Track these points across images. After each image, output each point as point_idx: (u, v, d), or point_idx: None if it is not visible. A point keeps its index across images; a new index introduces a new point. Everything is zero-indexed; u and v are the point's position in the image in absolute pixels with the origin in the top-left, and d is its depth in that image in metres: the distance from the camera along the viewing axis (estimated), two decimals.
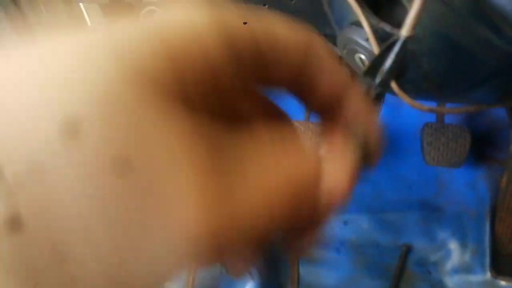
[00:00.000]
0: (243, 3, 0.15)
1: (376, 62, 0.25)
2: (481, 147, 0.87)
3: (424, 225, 0.88)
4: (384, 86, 0.25)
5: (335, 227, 0.89)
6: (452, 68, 0.35)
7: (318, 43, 0.15)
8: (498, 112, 0.87)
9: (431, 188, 0.89)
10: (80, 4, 0.81)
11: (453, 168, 0.82)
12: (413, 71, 0.38)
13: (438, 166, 0.80)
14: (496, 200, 0.85)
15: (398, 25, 0.31)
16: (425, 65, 0.36)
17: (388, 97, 0.91)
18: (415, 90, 0.41)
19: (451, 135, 0.80)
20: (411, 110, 0.89)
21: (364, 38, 0.37)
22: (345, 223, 0.89)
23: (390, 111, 0.91)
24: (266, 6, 0.55)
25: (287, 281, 0.81)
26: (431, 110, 0.35)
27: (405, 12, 0.29)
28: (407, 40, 0.24)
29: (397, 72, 0.28)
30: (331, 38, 0.83)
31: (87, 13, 0.76)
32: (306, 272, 0.86)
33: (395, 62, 0.25)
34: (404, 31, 0.25)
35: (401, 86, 0.34)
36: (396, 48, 0.25)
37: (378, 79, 0.25)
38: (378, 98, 0.26)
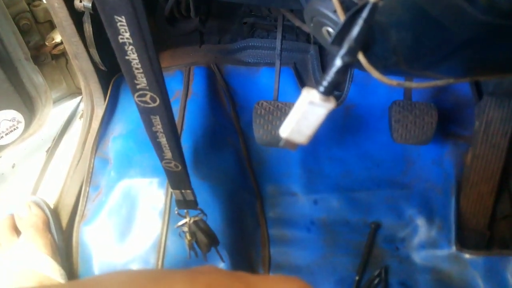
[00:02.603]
0: None
1: (344, 29, 0.23)
2: (447, 124, 0.88)
3: (392, 202, 0.89)
4: (352, 55, 0.23)
5: (305, 207, 0.89)
6: (421, 41, 0.34)
7: None
8: (464, 90, 0.88)
9: (399, 166, 0.90)
10: None
11: (421, 145, 0.83)
12: (381, 45, 0.36)
13: (406, 143, 0.81)
14: (461, 176, 0.86)
15: None
16: (393, 38, 0.35)
17: (356, 75, 0.91)
18: (383, 65, 0.40)
19: (419, 112, 0.80)
20: (379, 88, 0.90)
21: (331, 10, 0.36)
22: (315, 202, 0.89)
23: (358, 90, 0.91)
24: None
25: (258, 262, 0.81)
26: (399, 85, 0.34)
27: None
28: (376, 5, 0.23)
29: (365, 41, 0.26)
30: (298, 15, 0.82)
31: None
32: (277, 252, 0.86)
33: (363, 29, 0.23)
34: None
35: (369, 61, 0.33)
36: (364, 14, 0.23)
37: (345, 48, 0.24)
38: (346, 68, 0.25)
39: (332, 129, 0.91)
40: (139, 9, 0.35)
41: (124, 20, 0.35)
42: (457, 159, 0.87)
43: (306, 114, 0.27)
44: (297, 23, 0.81)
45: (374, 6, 0.23)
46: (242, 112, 0.93)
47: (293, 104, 0.85)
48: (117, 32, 0.36)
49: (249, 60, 0.97)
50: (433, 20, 0.30)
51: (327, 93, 0.26)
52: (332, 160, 0.91)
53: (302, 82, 0.93)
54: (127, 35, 0.36)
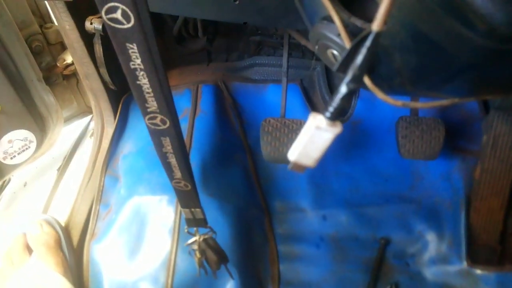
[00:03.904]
0: None
1: (348, 57, 0.24)
2: (454, 139, 0.88)
3: (401, 217, 0.88)
4: (357, 82, 0.24)
5: (314, 222, 0.89)
6: (424, 63, 0.35)
7: None
8: (471, 105, 0.88)
9: (407, 181, 0.90)
10: (46, 1, 0.78)
11: (428, 160, 0.83)
12: (385, 67, 0.37)
13: (414, 158, 0.81)
14: (470, 191, 0.86)
15: (370, 20, 0.30)
16: (398, 61, 0.36)
17: (362, 91, 0.91)
18: (388, 85, 0.41)
19: (426, 127, 0.81)
20: (385, 104, 0.90)
21: (336, 33, 0.37)
22: (324, 218, 0.89)
23: (365, 105, 0.91)
24: (237, 2, 0.54)
25: (268, 279, 0.81)
26: (405, 105, 0.35)
27: (376, 7, 0.28)
28: (379, 34, 0.24)
29: (370, 67, 0.27)
30: (304, 34, 0.83)
31: (53, 10, 0.73)
32: (286, 269, 0.86)
33: (367, 57, 0.24)
34: (375, 25, 0.24)
35: (374, 81, 0.34)
36: (367, 43, 0.24)
37: (350, 75, 0.24)
38: (352, 95, 0.26)
39: (339, 145, 0.92)
40: (150, 37, 0.36)
41: (135, 47, 0.37)
42: (465, 173, 0.87)
43: (313, 139, 0.28)
44: (303, 41, 0.82)
45: (377, 35, 0.24)
46: (250, 129, 0.94)
47: (300, 121, 0.86)
48: (128, 59, 0.37)
49: (256, 78, 0.98)
50: (435, 44, 0.31)
51: (334, 118, 0.27)
52: (339, 175, 0.91)
53: (308, 98, 0.94)
54: (138, 61, 0.38)
